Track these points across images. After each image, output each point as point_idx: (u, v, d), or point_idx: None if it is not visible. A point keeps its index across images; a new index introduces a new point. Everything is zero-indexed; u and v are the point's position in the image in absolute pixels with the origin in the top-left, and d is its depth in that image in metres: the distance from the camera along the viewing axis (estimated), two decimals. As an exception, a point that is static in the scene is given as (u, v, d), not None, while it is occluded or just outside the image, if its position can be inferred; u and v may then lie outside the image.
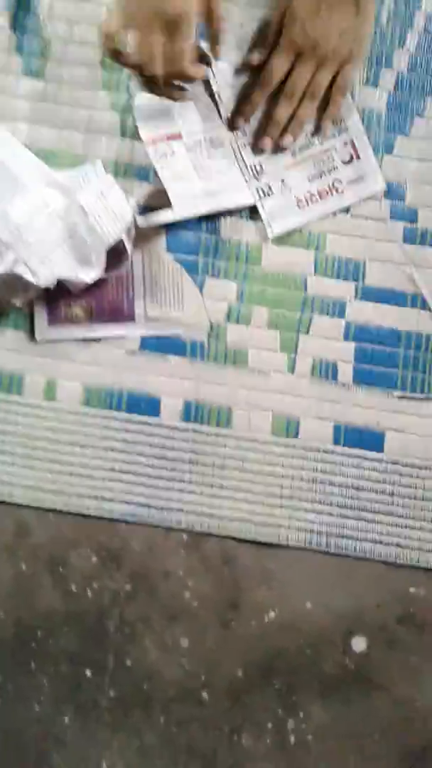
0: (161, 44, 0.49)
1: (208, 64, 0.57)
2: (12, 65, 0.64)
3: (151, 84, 0.52)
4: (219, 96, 0.63)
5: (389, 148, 0.64)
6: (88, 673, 0.61)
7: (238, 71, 0.62)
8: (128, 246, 0.58)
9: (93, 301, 0.60)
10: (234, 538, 0.63)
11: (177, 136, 0.62)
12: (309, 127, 0.62)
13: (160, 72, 0.50)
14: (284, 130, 0.60)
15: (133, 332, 0.63)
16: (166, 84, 0.52)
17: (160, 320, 0.63)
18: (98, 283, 0.59)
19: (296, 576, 0.63)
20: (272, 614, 0.62)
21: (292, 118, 0.61)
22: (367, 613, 0.63)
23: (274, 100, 0.60)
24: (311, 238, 0.63)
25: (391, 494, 0.64)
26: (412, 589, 0.63)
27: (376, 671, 0.62)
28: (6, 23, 0.64)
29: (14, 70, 0.64)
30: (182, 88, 0.55)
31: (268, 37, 0.59)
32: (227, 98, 0.63)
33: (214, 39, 0.56)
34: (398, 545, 0.64)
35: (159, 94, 0.54)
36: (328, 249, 0.64)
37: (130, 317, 0.62)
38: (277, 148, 0.62)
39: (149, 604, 0.62)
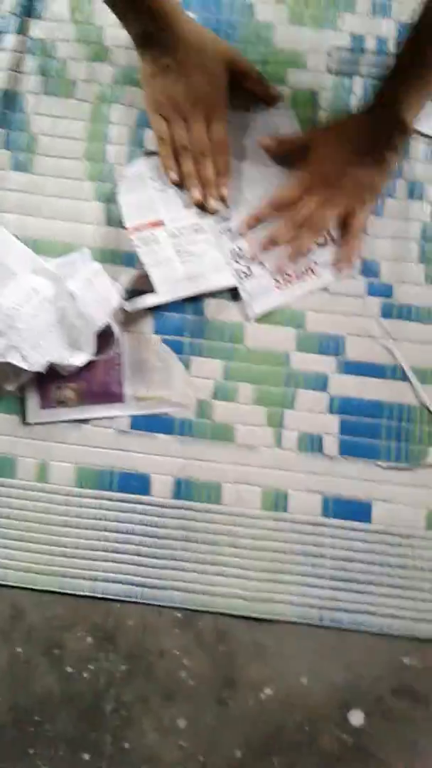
0: (195, 134, 0.61)
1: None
2: (0, 160, 0.69)
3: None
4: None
5: (363, 229, 0.68)
6: (86, 756, 0.64)
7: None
8: (116, 329, 0.63)
9: (83, 383, 0.64)
10: (228, 615, 0.66)
11: (160, 224, 0.67)
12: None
13: (202, 157, 0.62)
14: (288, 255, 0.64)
15: (123, 412, 0.67)
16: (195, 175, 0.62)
17: (148, 400, 0.67)
18: (88, 366, 0.64)
19: (291, 650, 0.65)
20: (268, 690, 0.65)
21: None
22: (363, 686, 0.65)
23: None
24: (292, 315, 0.68)
25: (381, 564, 0.67)
26: (406, 660, 0.66)
27: (374, 745, 0.64)
28: (-7, 120, 0.69)
29: (2, 164, 0.69)
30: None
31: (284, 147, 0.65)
32: None
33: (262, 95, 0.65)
34: (391, 615, 0.66)
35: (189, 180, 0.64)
36: (309, 326, 0.68)
37: (119, 398, 0.67)
38: (276, 270, 0.68)
39: (146, 685, 0.64)
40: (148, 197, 0.67)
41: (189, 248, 0.67)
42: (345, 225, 0.63)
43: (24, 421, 0.66)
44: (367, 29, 0.71)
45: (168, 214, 0.68)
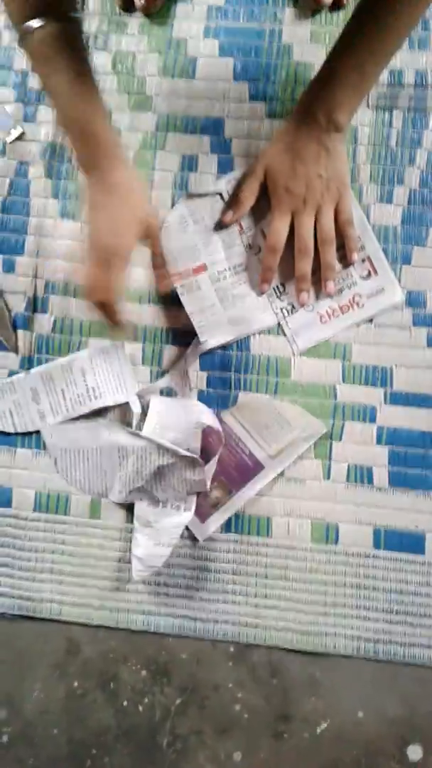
0: (95, 275, 0.64)
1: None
2: (49, 209, 0.86)
3: (102, 313, 0.66)
4: (241, 224, 0.81)
5: (407, 259, 0.81)
6: (144, 789, 0.76)
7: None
8: (211, 422, 0.74)
9: (221, 476, 0.74)
10: (281, 648, 0.76)
11: (202, 268, 0.81)
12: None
13: (92, 299, 0.65)
14: (321, 280, 0.75)
15: (270, 477, 0.76)
16: (108, 314, 0.66)
17: (283, 451, 0.76)
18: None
19: (345, 684, 0.75)
20: (324, 725, 0.75)
21: (319, 266, 0.74)
22: (421, 720, 0.74)
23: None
24: (337, 348, 0.80)
25: (437, 597, 0.76)
26: None
27: None
28: (42, 172, 0.86)
29: (51, 212, 0.86)
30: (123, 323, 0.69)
31: (243, 194, 0.75)
32: (248, 225, 0.81)
33: (157, 265, 0.74)
34: None
35: (108, 323, 0.68)
36: (355, 358, 0.80)
37: (260, 467, 0.77)
38: (327, 296, 0.78)
39: (200, 718, 0.75)
40: (191, 241, 0.81)
41: (231, 292, 0.80)
42: (336, 222, 0.72)
43: (196, 545, 0.77)
44: (406, 63, 0.84)
45: (209, 257, 0.81)
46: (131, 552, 0.74)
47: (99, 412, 0.78)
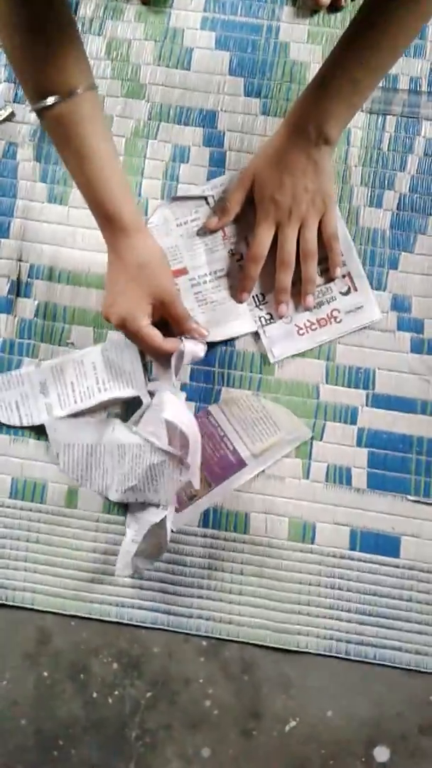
0: (123, 329, 0.69)
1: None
2: (37, 193, 0.87)
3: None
4: (224, 230, 0.82)
5: (394, 264, 0.84)
6: (110, 783, 0.77)
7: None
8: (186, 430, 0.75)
9: (204, 472, 0.76)
10: (253, 645, 0.78)
11: (183, 272, 0.82)
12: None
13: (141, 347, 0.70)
14: (301, 293, 0.77)
15: (251, 474, 0.77)
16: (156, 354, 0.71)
17: (267, 450, 0.78)
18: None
19: (316, 683, 0.77)
20: (293, 723, 0.77)
21: (299, 279, 0.75)
22: (388, 722, 0.76)
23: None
24: (322, 348, 0.82)
25: (409, 600, 0.79)
26: None
27: None
28: (31, 155, 0.87)
29: (39, 196, 0.87)
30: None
31: (230, 203, 0.77)
32: (231, 232, 0.82)
33: (180, 330, 0.74)
34: (417, 652, 0.78)
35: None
36: (339, 359, 0.82)
37: (242, 464, 0.78)
38: (305, 309, 0.82)
39: (170, 712, 0.77)
40: (172, 244, 0.82)
41: (210, 296, 0.82)
42: (320, 236, 0.73)
43: (172, 532, 0.75)
44: (401, 69, 0.87)
45: (191, 261, 0.82)
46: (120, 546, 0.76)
47: (107, 407, 0.81)
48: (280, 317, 0.81)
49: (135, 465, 0.75)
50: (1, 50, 0.82)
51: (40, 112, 0.61)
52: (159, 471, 0.74)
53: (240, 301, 0.81)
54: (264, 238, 0.74)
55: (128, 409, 0.81)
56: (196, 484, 0.75)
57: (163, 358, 0.70)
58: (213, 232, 0.81)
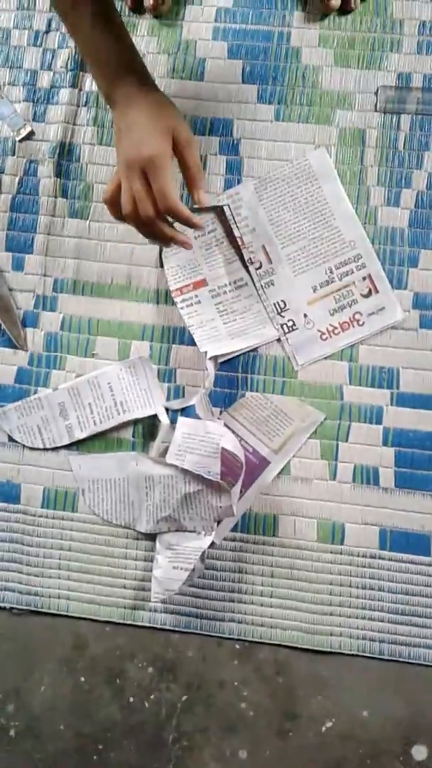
0: (142, 189, 0.63)
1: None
2: (58, 208, 0.92)
3: (149, 232, 0.65)
4: (242, 239, 0.85)
5: (414, 262, 0.86)
6: (150, 786, 0.81)
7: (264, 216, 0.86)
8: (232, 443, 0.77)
9: (230, 478, 0.76)
10: (286, 646, 0.80)
11: (202, 283, 0.86)
12: (329, 263, 0.86)
13: (146, 214, 0.63)
14: None
15: (276, 471, 0.82)
16: (159, 232, 0.65)
17: (286, 444, 0.82)
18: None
19: (351, 683, 0.79)
20: (329, 723, 0.80)
21: None
22: (425, 720, 0.78)
23: None
24: (344, 350, 0.85)
25: (442, 597, 0.81)
26: None
27: None
28: (51, 171, 0.92)
29: (60, 211, 0.92)
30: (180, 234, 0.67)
31: None
32: (249, 241, 0.86)
33: (190, 184, 0.67)
34: None
35: (161, 240, 0.67)
36: (362, 359, 0.85)
37: (265, 463, 0.82)
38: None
39: (206, 715, 0.80)
40: (192, 257, 0.86)
41: (231, 306, 0.85)
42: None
43: (211, 547, 0.78)
44: (414, 67, 0.90)
45: (210, 272, 0.86)
46: (152, 573, 0.78)
47: (127, 425, 0.83)
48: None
49: (168, 495, 0.79)
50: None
51: None
52: (196, 499, 0.78)
53: None
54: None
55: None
56: (236, 509, 0.78)
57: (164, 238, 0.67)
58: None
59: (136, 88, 0.68)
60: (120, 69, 0.66)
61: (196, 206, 0.70)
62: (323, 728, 0.79)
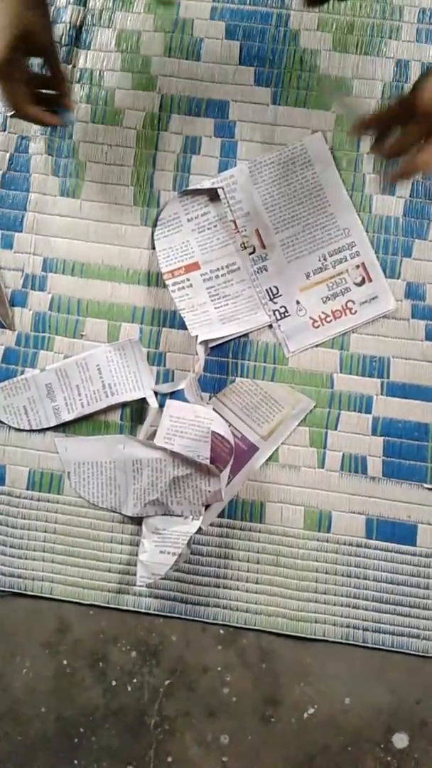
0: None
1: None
2: (49, 186, 0.96)
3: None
4: (236, 223, 0.89)
5: (408, 252, 0.90)
6: (130, 769, 0.86)
7: (261, 205, 0.90)
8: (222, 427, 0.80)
9: (218, 464, 0.78)
10: (270, 633, 0.85)
11: (195, 266, 0.90)
12: (323, 250, 0.91)
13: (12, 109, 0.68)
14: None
15: (265, 456, 0.86)
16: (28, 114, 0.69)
17: (275, 430, 0.86)
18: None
19: (334, 670, 0.84)
20: (311, 710, 0.85)
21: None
22: (407, 709, 0.82)
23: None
24: (335, 338, 0.89)
25: (427, 587, 0.85)
26: None
27: None
28: (43, 148, 0.97)
29: (51, 190, 0.95)
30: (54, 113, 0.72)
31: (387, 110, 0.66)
32: (242, 225, 0.89)
33: (55, 84, 0.73)
34: None
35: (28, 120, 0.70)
36: (353, 348, 0.89)
37: (254, 449, 0.87)
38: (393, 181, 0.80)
39: (188, 700, 0.84)
40: (185, 239, 0.90)
41: (223, 291, 0.89)
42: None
43: (197, 532, 0.81)
44: (412, 55, 0.94)
45: (203, 256, 0.89)
46: (138, 557, 0.82)
47: (115, 408, 0.86)
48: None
49: (156, 479, 0.82)
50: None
51: None
52: (184, 483, 0.81)
53: (358, 133, 0.73)
54: (413, 139, 0.63)
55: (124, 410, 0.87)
56: (224, 494, 0.82)
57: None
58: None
59: None
60: None
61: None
62: (305, 715, 0.83)
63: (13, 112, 0.70)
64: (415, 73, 0.91)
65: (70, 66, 0.94)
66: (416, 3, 0.92)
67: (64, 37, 0.94)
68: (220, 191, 0.88)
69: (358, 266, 0.88)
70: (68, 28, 0.94)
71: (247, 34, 0.94)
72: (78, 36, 0.95)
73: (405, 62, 0.93)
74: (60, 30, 0.94)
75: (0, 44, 0.65)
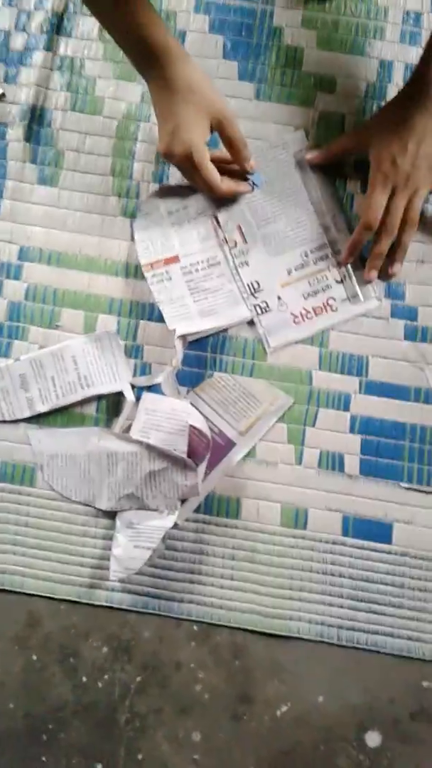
0: (189, 177, 0.77)
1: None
2: (26, 174, 0.97)
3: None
4: (216, 217, 0.90)
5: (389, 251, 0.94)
6: (100, 766, 0.83)
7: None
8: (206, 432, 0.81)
9: (194, 458, 0.79)
10: (244, 630, 0.85)
11: (174, 260, 0.91)
12: (304, 247, 0.93)
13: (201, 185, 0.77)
14: (391, 260, 0.83)
15: (242, 452, 0.86)
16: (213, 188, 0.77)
17: (253, 426, 0.87)
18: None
19: (308, 669, 0.84)
20: (284, 708, 0.85)
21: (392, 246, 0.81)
22: (380, 708, 0.84)
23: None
24: (315, 335, 0.91)
25: (401, 586, 0.87)
26: (425, 683, 0.84)
27: (390, 767, 0.84)
28: (21, 135, 0.98)
29: (29, 178, 0.96)
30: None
31: (336, 144, 0.86)
32: (224, 220, 0.90)
33: (237, 159, 0.80)
34: (409, 638, 0.85)
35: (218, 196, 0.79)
36: (332, 345, 0.91)
37: (231, 444, 0.87)
38: (388, 277, 0.87)
39: (160, 696, 0.84)
40: (164, 232, 0.91)
41: (203, 284, 0.90)
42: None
43: (173, 527, 0.82)
44: (396, 56, 0.97)
45: (183, 249, 0.90)
46: (111, 551, 0.83)
47: (90, 400, 0.87)
48: (368, 282, 0.87)
49: (131, 472, 0.82)
50: None
51: None
52: (160, 477, 0.82)
53: (345, 264, 0.87)
54: (379, 203, 0.79)
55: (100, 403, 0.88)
56: (200, 488, 0.83)
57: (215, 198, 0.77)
58: (310, 165, 0.89)
59: (166, 66, 0.72)
60: (148, 46, 0.71)
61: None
62: (278, 713, 0.84)
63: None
64: (398, 74, 0.94)
65: (50, 53, 0.95)
66: (400, 4, 0.95)
67: (44, 24, 0.95)
68: None
69: (339, 264, 0.89)
70: (50, 15, 0.95)
71: (231, 29, 0.95)
72: (60, 24, 0.96)
73: (389, 62, 0.95)
74: (41, 17, 0.95)
75: (200, 133, 0.74)
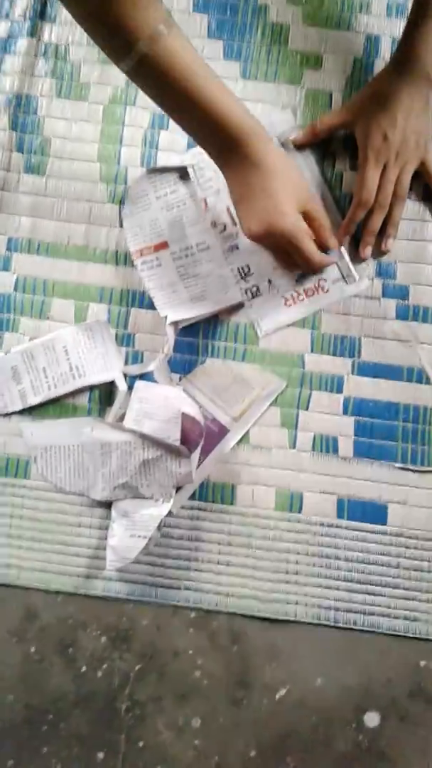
0: (288, 260, 0.78)
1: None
2: (13, 163, 0.96)
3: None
4: (206, 201, 0.90)
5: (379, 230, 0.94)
6: (101, 755, 0.84)
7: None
8: (192, 412, 0.82)
9: (188, 446, 0.80)
10: (242, 615, 0.86)
11: (164, 246, 0.91)
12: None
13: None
14: (382, 234, 0.84)
15: (235, 438, 0.87)
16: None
17: (245, 411, 0.87)
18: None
19: (305, 652, 0.85)
20: (283, 691, 0.86)
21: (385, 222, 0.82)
22: (378, 688, 0.85)
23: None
24: (307, 317, 0.90)
25: (397, 566, 0.87)
26: (422, 662, 0.85)
27: (389, 747, 0.83)
28: (6, 124, 0.97)
29: (16, 166, 0.96)
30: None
31: (322, 122, 0.86)
32: (213, 203, 0.90)
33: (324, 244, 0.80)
34: (405, 618, 0.86)
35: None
36: (324, 327, 0.90)
37: (224, 431, 0.87)
38: (381, 254, 0.87)
39: (160, 684, 0.85)
40: (154, 218, 0.90)
41: (193, 270, 0.89)
42: (426, 175, 0.81)
43: (168, 515, 0.83)
44: (383, 30, 0.96)
45: (172, 234, 0.90)
46: (107, 541, 0.83)
47: (83, 390, 0.86)
48: (364, 259, 0.87)
49: (125, 462, 0.83)
50: None
51: (137, 61, 0.63)
52: (154, 466, 0.82)
53: (341, 244, 0.86)
54: (374, 179, 0.79)
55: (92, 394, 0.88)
56: (195, 475, 0.84)
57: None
58: (301, 144, 0.89)
59: (259, 148, 0.70)
60: (239, 129, 0.70)
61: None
62: (277, 696, 0.84)
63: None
64: (385, 48, 0.93)
65: (34, 39, 0.94)
66: (386, -23, 0.88)
67: (28, 10, 0.94)
68: (189, 169, 0.89)
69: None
70: (33, 1, 0.94)
71: (215, 7, 0.94)
72: (43, 9, 0.95)
73: (375, 37, 0.94)
74: (24, 3, 0.94)
75: (297, 214, 0.74)
